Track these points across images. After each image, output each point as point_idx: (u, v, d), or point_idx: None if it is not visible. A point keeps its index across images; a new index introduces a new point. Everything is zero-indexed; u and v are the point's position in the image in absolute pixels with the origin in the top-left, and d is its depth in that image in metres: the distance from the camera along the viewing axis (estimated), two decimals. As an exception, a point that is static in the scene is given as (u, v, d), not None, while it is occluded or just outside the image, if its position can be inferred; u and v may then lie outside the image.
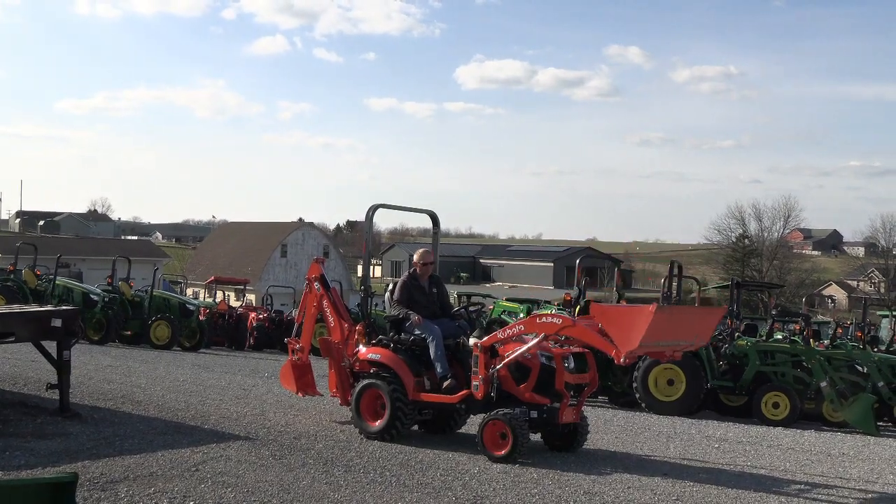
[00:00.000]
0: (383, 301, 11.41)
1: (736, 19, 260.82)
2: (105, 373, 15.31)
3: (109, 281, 25.75)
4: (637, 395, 15.88)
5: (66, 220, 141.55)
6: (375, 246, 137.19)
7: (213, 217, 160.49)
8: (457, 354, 10.43)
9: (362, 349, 10.85)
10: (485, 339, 9.98)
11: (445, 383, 10.21)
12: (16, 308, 13.71)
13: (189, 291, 47.86)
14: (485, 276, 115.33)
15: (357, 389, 10.58)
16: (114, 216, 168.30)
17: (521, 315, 20.59)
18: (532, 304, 25.13)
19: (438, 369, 10.30)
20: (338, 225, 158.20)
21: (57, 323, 10.77)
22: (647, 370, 15.83)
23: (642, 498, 8.11)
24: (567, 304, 19.45)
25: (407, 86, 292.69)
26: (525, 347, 9.72)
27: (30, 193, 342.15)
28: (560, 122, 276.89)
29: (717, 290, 52.94)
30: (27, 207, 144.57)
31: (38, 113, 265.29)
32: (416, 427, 10.89)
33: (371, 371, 10.58)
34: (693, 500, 8.15)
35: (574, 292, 19.49)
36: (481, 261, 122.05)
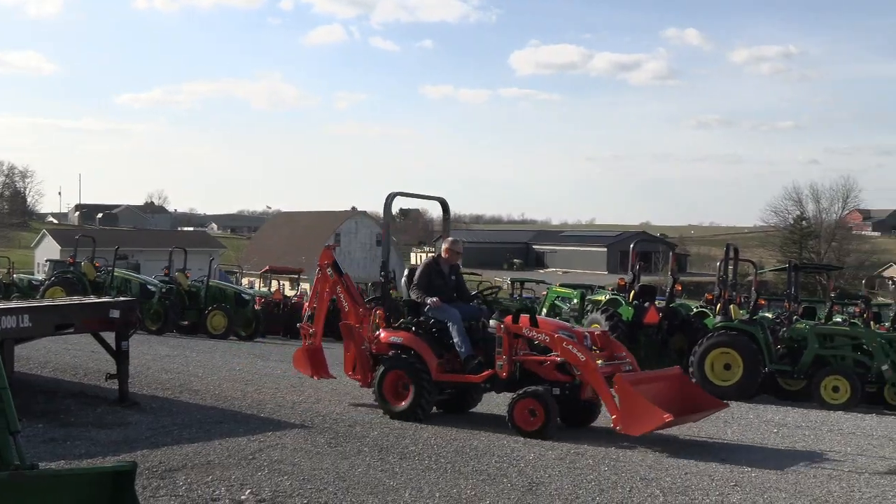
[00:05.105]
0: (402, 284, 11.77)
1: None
2: (163, 362, 15.52)
3: (166, 272, 26.08)
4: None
5: (124, 212, 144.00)
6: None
7: (268, 207, 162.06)
8: (476, 336, 10.69)
9: (382, 333, 11.11)
10: (509, 322, 10.28)
11: (473, 363, 10.47)
12: (75, 300, 13.96)
13: (244, 281, 48.29)
14: (538, 261, 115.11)
15: (380, 372, 10.84)
16: (170, 208, 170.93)
17: (575, 301, 20.50)
18: (586, 289, 24.95)
19: (463, 350, 10.55)
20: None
21: (115, 314, 10.95)
22: (703, 354, 15.64)
23: (700, 483, 8.02)
24: (622, 289, 19.35)
25: (462, 73, 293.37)
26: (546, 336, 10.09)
27: (88, 186, 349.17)
28: (616, 107, 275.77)
29: (774, 273, 52.34)
30: (86, 200, 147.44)
31: (98, 107, 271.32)
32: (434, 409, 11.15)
33: (391, 353, 10.86)
34: (752, 486, 8.03)
35: (628, 277, 19.40)
36: (534, 246, 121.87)
